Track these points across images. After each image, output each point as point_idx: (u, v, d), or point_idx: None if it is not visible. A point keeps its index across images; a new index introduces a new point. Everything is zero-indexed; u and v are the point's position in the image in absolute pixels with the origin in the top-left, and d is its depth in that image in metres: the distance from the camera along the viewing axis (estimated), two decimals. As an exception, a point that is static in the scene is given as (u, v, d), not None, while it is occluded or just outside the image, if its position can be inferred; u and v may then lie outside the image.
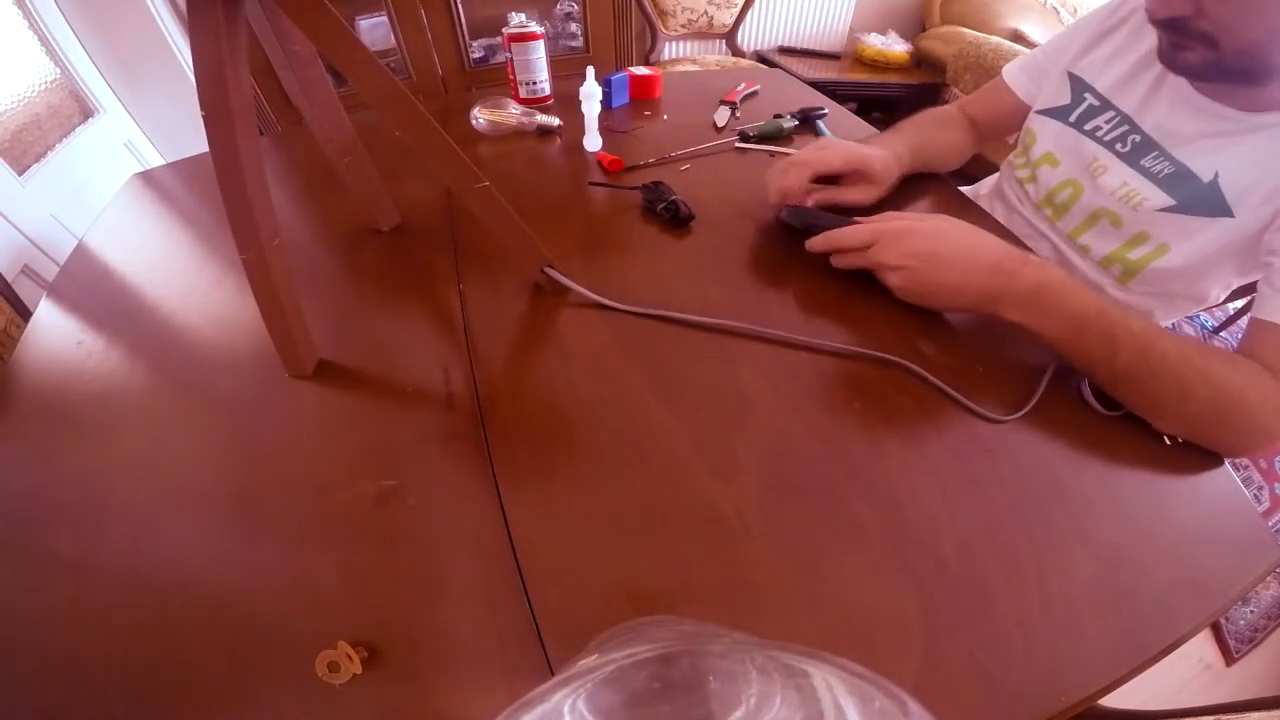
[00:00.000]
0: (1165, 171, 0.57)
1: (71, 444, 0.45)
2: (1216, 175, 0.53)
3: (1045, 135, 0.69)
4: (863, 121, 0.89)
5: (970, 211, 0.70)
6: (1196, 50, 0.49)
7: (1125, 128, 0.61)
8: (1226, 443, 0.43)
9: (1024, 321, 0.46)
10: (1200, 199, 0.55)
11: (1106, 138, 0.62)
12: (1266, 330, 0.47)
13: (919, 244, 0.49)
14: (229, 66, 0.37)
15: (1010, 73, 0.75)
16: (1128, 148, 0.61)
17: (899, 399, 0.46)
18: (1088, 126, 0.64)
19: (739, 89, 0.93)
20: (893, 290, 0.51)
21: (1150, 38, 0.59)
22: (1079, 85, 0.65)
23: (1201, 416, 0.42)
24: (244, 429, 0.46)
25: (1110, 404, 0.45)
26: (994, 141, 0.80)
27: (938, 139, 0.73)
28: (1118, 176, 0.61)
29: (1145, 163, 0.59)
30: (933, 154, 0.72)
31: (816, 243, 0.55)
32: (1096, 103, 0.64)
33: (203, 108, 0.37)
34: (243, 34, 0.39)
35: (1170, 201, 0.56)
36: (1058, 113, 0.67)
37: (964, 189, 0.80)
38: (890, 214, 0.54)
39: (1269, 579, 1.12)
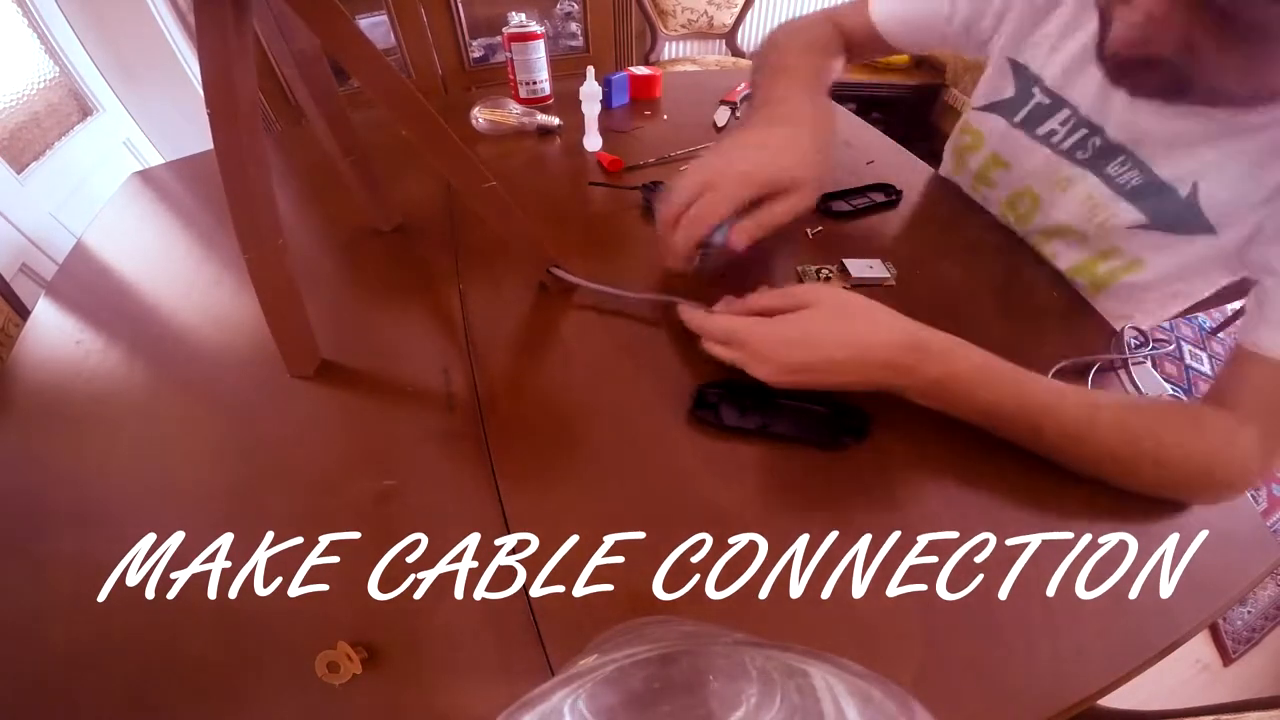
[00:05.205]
0: (1133, 182, 0.50)
1: (70, 443, 0.45)
2: (1195, 188, 0.46)
3: (991, 136, 0.60)
4: (863, 121, 0.89)
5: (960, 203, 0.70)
6: (1160, 75, 0.40)
7: (1084, 131, 0.52)
8: (1187, 501, 0.39)
9: (931, 407, 0.41)
10: (1175, 216, 0.47)
11: (1064, 145, 0.54)
12: (1247, 362, 0.41)
13: (794, 356, 0.39)
14: (236, 65, 0.37)
15: (878, 13, 0.60)
16: (1088, 154, 0.53)
17: (898, 397, 0.46)
18: (1040, 131, 0.56)
19: (739, 89, 0.93)
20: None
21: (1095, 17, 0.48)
22: (1024, 76, 0.55)
23: (1151, 489, 0.39)
24: (244, 428, 0.46)
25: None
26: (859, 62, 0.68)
27: (833, 72, 0.62)
28: (1081, 189, 0.53)
29: (1111, 170, 0.51)
30: (829, 86, 0.61)
31: (686, 315, 0.46)
32: (1046, 100, 0.54)
33: (209, 107, 0.37)
34: (250, 33, 0.39)
35: (1141, 218, 0.49)
36: (1001, 108, 0.58)
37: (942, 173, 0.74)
38: (754, 298, 0.44)
39: (1266, 579, 1.12)
